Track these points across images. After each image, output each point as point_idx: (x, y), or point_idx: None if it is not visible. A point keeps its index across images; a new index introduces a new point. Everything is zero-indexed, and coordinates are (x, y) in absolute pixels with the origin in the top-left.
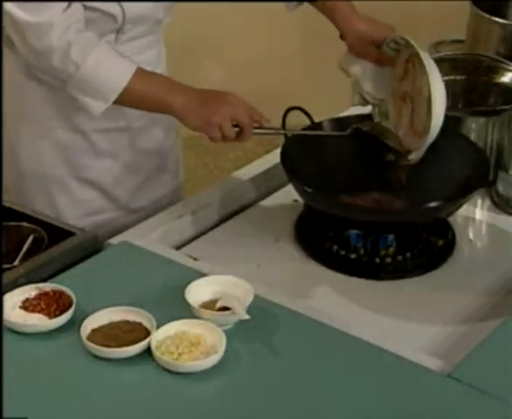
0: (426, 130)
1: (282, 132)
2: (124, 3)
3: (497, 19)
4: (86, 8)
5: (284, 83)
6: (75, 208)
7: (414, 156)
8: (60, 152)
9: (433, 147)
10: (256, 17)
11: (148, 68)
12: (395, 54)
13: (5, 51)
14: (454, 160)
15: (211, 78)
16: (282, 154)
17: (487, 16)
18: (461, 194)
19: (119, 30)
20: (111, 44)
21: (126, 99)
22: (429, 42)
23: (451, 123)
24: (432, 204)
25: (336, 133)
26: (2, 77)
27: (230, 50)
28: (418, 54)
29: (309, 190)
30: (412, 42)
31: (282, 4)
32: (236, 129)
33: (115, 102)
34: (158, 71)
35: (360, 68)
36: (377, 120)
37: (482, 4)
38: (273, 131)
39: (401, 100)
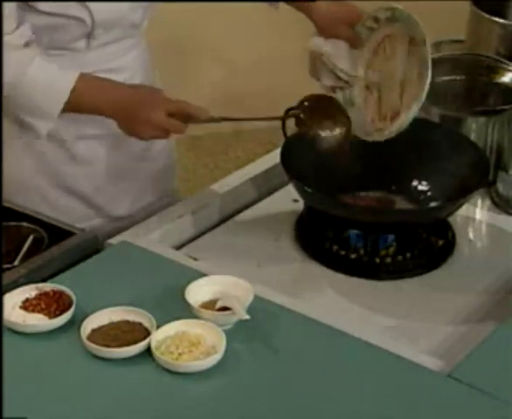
0: (400, 113)
1: (214, 120)
2: (92, 7)
3: (497, 19)
4: (51, 14)
5: (284, 83)
6: (58, 217)
7: (388, 133)
8: (39, 161)
9: (433, 147)
10: (256, 17)
11: (126, 74)
12: (369, 34)
13: None
14: (454, 160)
15: (211, 79)
16: (282, 154)
17: (487, 16)
18: (461, 194)
19: (89, 36)
20: (82, 50)
21: (68, 110)
22: (429, 42)
23: (451, 123)
24: (432, 204)
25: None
26: (1, 79)
27: (230, 50)
28: (417, 24)
29: (309, 190)
30: (406, 10)
31: (282, 4)
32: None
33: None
34: (138, 76)
35: (333, 46)
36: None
37: (482, 4)
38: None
39: (365, 89)
